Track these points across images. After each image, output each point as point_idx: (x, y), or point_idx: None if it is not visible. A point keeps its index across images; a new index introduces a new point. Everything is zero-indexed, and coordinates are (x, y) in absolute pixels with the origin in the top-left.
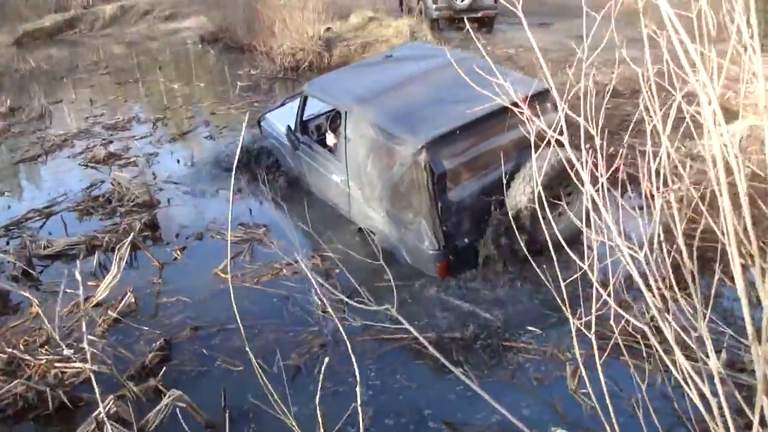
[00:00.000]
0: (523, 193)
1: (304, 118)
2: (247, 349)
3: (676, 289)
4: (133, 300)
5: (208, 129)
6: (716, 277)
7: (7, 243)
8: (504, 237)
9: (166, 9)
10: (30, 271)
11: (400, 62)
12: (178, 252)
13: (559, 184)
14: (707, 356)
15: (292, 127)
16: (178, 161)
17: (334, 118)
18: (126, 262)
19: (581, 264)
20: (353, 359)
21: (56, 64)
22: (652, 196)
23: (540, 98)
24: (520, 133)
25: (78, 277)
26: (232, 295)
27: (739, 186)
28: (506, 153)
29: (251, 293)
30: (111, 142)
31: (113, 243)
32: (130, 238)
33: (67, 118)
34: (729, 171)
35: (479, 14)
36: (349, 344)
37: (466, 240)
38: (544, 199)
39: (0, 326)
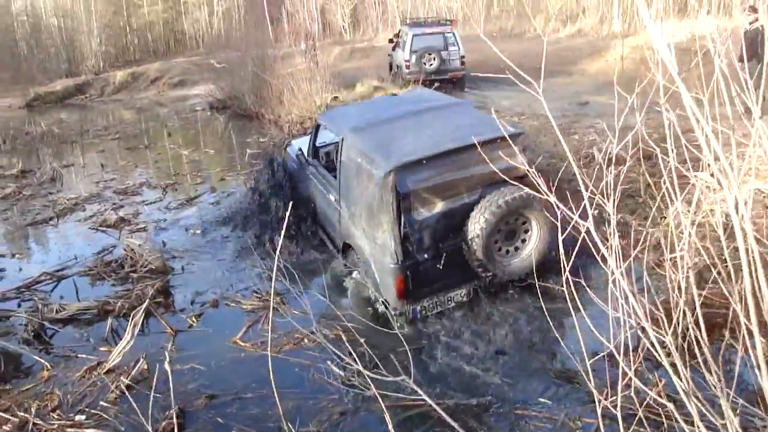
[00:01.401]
0: (477, 222)
1: (317, 145)
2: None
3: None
4: (146, 367)
5: (215, 195)
6: (724, 342)
7: (19, 305)
8: (456, 261)
9: (175, 76)
10: (42, 334)
11: (401, 102)
12: (194, 319)
13: (516, 220)
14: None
15: (304, 150)
16: (187, 229)
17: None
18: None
19: (599, 337)
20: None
21: (67, 128)
22: (657, 264)
23: (510, 140)
24: (490, 168)
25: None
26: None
27: (756, 254)
28: (474, 185)
29: (268, 362)
30: (121, 206)
31: (126, 309)
32: (145, 305)
33: (78, 182)
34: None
35: (448, 75)
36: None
37: (426, 257)
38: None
39: (12, 389)
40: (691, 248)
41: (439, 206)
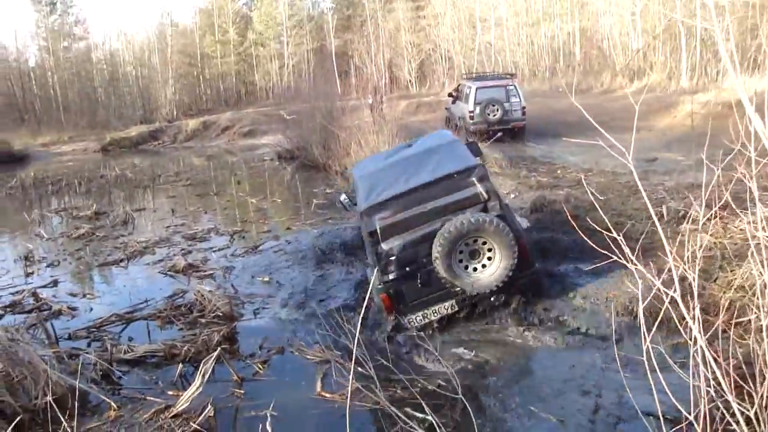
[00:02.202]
0: (436, 245)
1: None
2: None
3: None
4: (212, 414)
5: (278, 243)
6: None
7: (89, 345)
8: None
9: (245, 126)
10: (111, 374)
11: (410, 148)
12: (260, 366)
13: (475, 242)
14: None
15: (345, 198)
16: (253, 277)
17: None
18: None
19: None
20: None
21: (140, 173)
22: (729, 326)
23: (465, 173)
24: (452, 199)
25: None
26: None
27: None
28: (439, 213)
29: (339, 415)
30: (190, 252)
31: (192, 353)
32: (216, 353)
33: (149, 226)
34: None
35: (510, 125)
36: None
37: (396, 277)
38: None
39: (78, 427)
40: None
41: (404, 236)
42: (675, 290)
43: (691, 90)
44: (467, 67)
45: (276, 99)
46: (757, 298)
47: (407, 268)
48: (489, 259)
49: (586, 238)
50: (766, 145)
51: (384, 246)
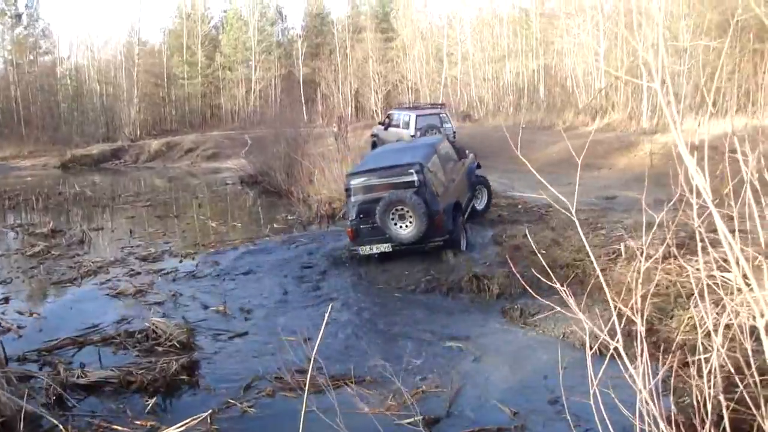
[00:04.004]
0: (380, 206)
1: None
2: None
3: None
4: None
5: (236, 266)
6: None
7: (41, 368)
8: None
9: (209, 149)
10: (64, 399)
11: (409, 141)
12: (247, 408)
13: (403, 209)
14: None
15: None
16: (206, 307)
17: None
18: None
19: None
20: None
21: (99, 191)
22: (681, 366)
23: (408, 166)
24: (396, 180)
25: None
26: None
27: None
28: (386, 188)
29: None
30: (139, 273)
31: (148, 381)
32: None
33: (105, 246)
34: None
35: None
36: None
37: (362, 218)
38: (384, 213)
39: None
40: (720, 355)
41: (365, 196)
42: (618, 341)
43: (651, 130)
44: (433, 99)
45: (241, 123)
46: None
47: (363, 217)
48: (410, 222)
49: (551, 278)
50: (709, 204)
51: (352, 199)
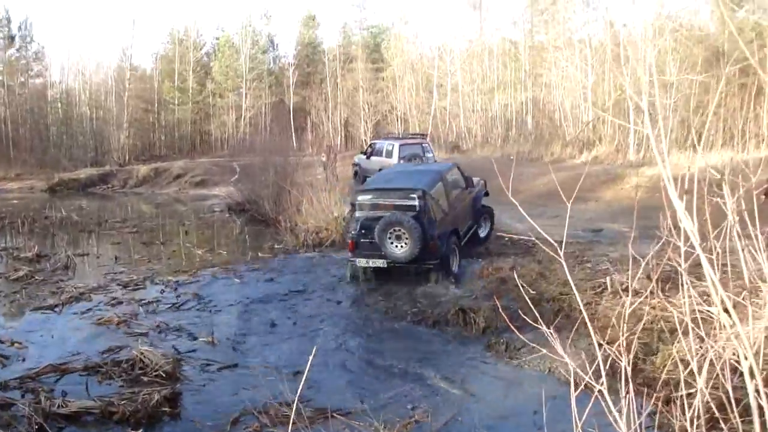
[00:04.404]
0: (380, 225)
1: None
2: None
3: None
4: None
5: (222, 295)
6: None
7: (22, 396)
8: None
9: (197, 175)
10: (45, 428)
11: (420, 164)
12: None
13: (399, 230)
14: None
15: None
16: (194, 338)
17: None
18: None
19: None
20: None
21: (86, 216)
22: (666, 403)
23: (412, 190)
24: (399, 202)
25: None
26: None
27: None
28: (388, 207)
29: None
30: (121, 302)
31: (130, 412)
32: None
33: (90, 272)
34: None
35: None
36: None
37: (363, 233)
38: (383, 232)
39: None
40: (703, 395)
41: (368, 212)
42: (602, 383)
43: (637, 163)
44: (422, 129)
45: (231, 150)
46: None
47: (364, 231)
48: (405, 244)
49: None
50: (697, 247)
51: (357, 213)
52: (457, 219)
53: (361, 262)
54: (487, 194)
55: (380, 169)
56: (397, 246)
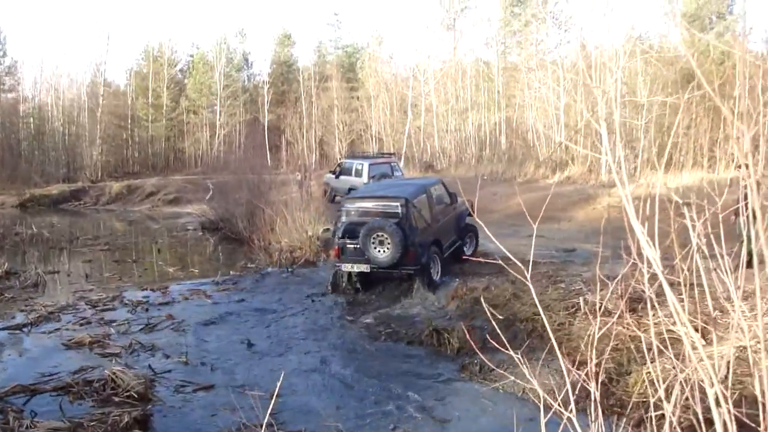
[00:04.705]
0: (364, 230)
1: None
2: None
3: None
4: None
5: (194, 314)
6: None
7: None
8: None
9: (170, 193)
10: None
11: (409, 179)
12: None
13: (382, 235)
14: None
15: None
16: (167, 356)
17: None
18: None
19: None
20: None
21: (57, 233)
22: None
23: (396, 198)
24: (383, 209)
25: None
26: None
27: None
28: (373, 215)
29: None
30: (90, 322)
31: None
32: None
33: (60, 290)
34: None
35: None
36: None
37: (348, 239)
38: (366, 237)
39: None
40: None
41: (353, 219)
42: (571, 411)
43: (610, 183)
44: (397, 149)
45: (204, 168)
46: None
47: (349, 238)
48: (387, 248)
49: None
50: (659, 275)
51: (343, 219)
52: (439, 231)
53: (346, 267)
54: (470, 214)
55: (350, 189)
56: (380, 251)
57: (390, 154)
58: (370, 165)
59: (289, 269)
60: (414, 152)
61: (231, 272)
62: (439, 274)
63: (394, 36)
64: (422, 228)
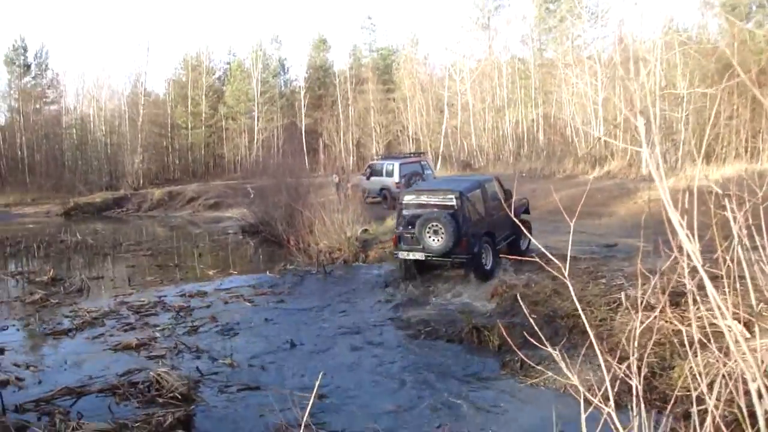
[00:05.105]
0: (420, 220)
1: None
2: None
3: None
4: None
5: (243, 317)
6: None
7: (39, 419)
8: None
9: (211, 198)
10: None
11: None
12: None
13: (436, 225)
14: None
15: None
16: (215, 360)
17: None
18: None
19: None
20: None
21: (101, 240)
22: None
23: (451, 191)
24: (440, 201)
25: None
26: None
27: None
28: (429, 206)
29: None
30: (134, 328)
31: None
32: None
33: (104, 295)
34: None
35: None
36: None
37: (406, 229)
38: (422, 227)
39: None
40: (713, 413)
41: (412, 210)
42: (611, 406)
43: (650, 177)
44: (434, 149)
45: (244, 173)
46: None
47: (409, 227)
48: (441, 237)
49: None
50: (699, 269)
51: (403, 212)
52: (493, 224)
53: (403, 255)
54: (527, 211)
55: (381, 189)
56: (434, 240)
57: (420, 153)
58: (400, 165)
59: (328, 270)
60: (451, 151)
61: (272, 274)
62: (491, 264)
63: (428, 37)
64: (476, 220)
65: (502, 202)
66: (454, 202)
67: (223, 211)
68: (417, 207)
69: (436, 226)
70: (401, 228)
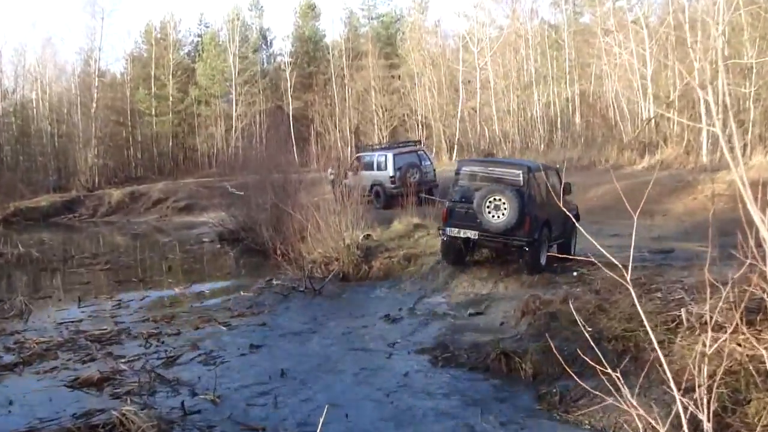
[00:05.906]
0: (480, 193)
1: None
2: None
3: None
4: None
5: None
6: None
7: None
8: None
9: (181, 199)
10: None
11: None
12: None
13: (499, 200)
14: None
15: None
16: (195, 394)
17: None
18: None
19: None
20: None
21: (49, 252)
22: None
23: (519, 168)
24: (505, 176)
25: None
26: None
27: None
28: (492, 180)
29: None
30: (94, 359)
31: None
32: None
33: (50, 322)
34: None
35: (428, 186)
36: None
37: (456, 205)
38: (482, 199)
39: None
40: None
41: (470, 183)
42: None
43: (712, 167)
44: (447, 137)
45: (220, 168)
46: None
47: (463, 200)
48: (503, 214)
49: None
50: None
51: (459, 183)
52: (551, 217)
53: (452, 232)
54: (578, 216)
55: (373, 185)
56: (494, 216)
57: (416, 141)
58: (394, 156)
59: (324, 284)
60: (470, 139)
61: (255, 291)
62: (545, 259)
63: (439, 0)
64: (539, 203)
65: (561, 196)
66: (520, 178)
67: (197, 215)
68: (477, 179)
69: (499, 200)
70: (454, 200)
